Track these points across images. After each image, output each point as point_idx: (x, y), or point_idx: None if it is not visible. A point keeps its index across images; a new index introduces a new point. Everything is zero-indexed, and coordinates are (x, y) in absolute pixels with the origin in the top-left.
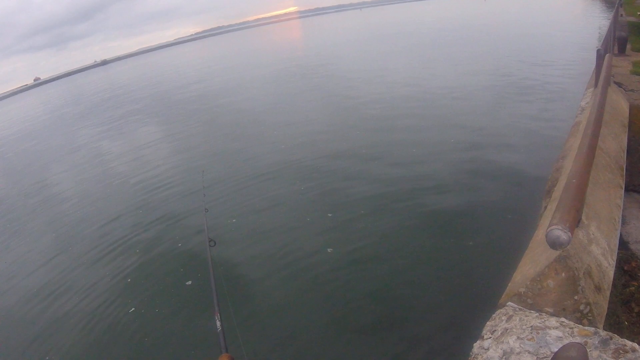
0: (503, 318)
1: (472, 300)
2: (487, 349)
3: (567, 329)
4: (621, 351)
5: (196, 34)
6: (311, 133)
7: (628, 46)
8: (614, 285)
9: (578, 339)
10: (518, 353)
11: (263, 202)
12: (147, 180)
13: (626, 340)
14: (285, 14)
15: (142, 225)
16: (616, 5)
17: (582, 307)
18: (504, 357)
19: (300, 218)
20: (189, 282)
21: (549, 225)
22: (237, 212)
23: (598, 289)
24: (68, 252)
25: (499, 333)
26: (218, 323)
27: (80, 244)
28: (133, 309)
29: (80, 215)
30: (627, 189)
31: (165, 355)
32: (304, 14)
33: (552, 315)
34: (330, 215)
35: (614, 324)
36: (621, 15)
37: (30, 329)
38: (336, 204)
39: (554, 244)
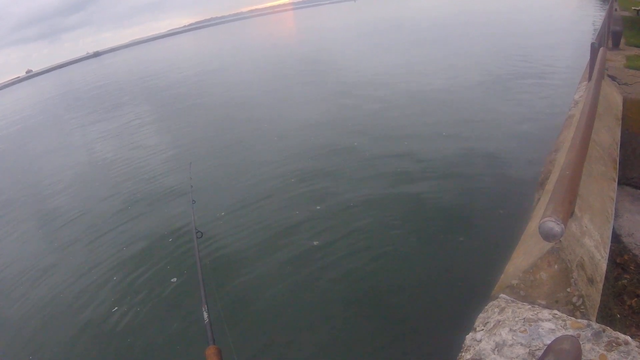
0: (495, 310)
1: (464, 293)
2: (480, 341)
3: (560, 321)
4: (614, 344)
5: (189, 25)
6: (302, 126)
7: (622, 40)
8: (607, 278)
9: (571, 332)
10: (510, 345)
11: (251, 194)
12: (133, 172)
13: (619, 333)
14: (279, 5)
15: (127, 217)
16: None
17: (574, 299)
18: (497, 349)
19: (288, 210)
20: (174, 279)
21: (542, 217)
22: (224, 204)
23: (591, 281)
24: (49, 247)
25: (492, 325)
26: (205, 315)
27: (62, 238)
28: (116, 307)
29: (62, 209)
30: (620, 182)
31: (151, 350)
32: (298, 6)
33: (545, 307)
34: (318, 207)
35: (606, 317)
36: (616, 9)
37: (11, 329)
38: (325, 198)
39: (547, 235)
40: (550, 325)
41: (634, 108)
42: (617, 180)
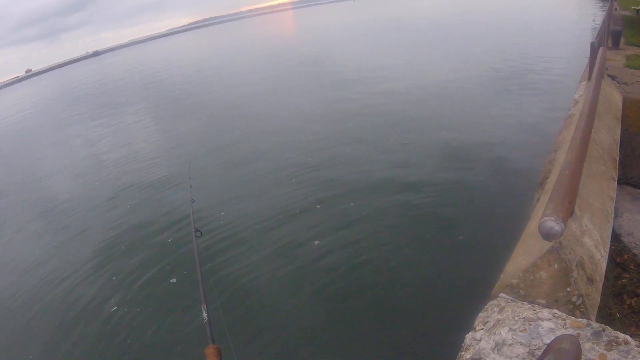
0: (495, 309)
1: (464, 292)
2: (479, 340)
3: (560, 321)
4: (614, 343)
5: (189, 24)
6: (302, 126)
7: (622, 40)
8: (606, 277)
9: (571, 331)
10: (510, 344)
11: (251, 194)
12: (132, 171)
13: (619, 332)
14: (279, 4)
15: (126, 215)
16: None
17: (574, 298)
18: (496, 348)
19: (287, 209)
20: (174, 279)
21: (542, 216)
22: (223, 203)
23: (590, 280)
24: (48, 245)
25: (491, 324)
26: (204, 314)
27: (60, 237)
28: (115, 307)
29: (61, 208)
30: (620, 182)
31: (150, 349)
32: (297, 5)
33: (545, 306)
34: (318, 207)
35: (606, 316)
36: (615, 9)
37: (10, 328)
38: (325, 197)
39: (547, 235)
40: (550, 325)
41: (633, 107)
42: (617, 179)
